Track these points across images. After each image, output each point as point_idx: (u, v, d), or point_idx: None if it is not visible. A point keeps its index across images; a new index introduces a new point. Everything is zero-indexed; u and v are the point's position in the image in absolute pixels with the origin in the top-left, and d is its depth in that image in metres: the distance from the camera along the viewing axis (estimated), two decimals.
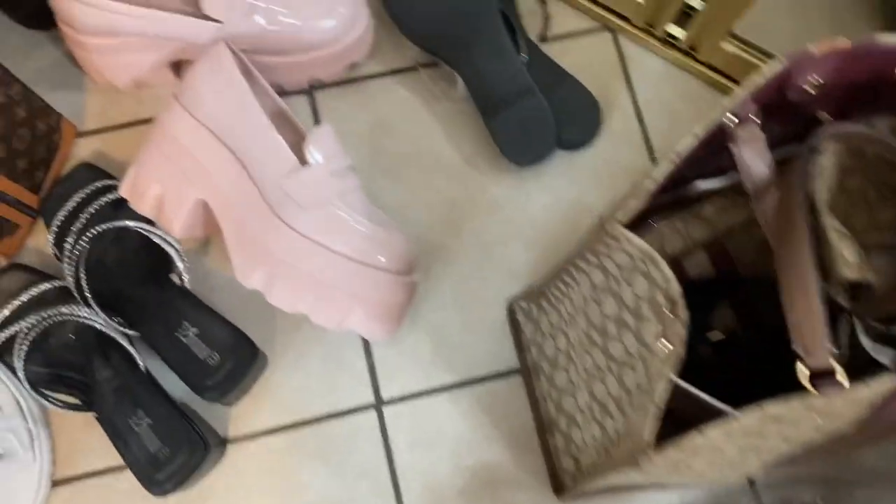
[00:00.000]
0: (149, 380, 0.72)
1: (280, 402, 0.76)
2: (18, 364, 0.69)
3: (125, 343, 0.70)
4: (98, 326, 0.70)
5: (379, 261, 0.69)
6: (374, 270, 0.69)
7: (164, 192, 0.71)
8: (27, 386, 0.69)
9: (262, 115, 0.70)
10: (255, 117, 0.70)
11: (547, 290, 0.70)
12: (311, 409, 0.76)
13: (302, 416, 0.76)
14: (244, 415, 0.76)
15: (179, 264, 0.72)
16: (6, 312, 0.72)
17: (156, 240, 0.71)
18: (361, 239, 0.69)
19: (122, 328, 0.72)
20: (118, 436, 0.69)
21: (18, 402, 0.74)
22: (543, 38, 0.86)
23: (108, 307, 0.73)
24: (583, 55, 0.85)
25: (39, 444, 0.73)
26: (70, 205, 0.75)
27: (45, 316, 0.70)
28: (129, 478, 0.69)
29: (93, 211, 0.75)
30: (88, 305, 0.71)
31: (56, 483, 0.74)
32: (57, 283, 0.74)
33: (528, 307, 0.75)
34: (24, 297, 0.72)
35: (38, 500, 0.72)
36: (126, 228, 0.74)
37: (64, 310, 0.70)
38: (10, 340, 0.72)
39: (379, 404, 0.77)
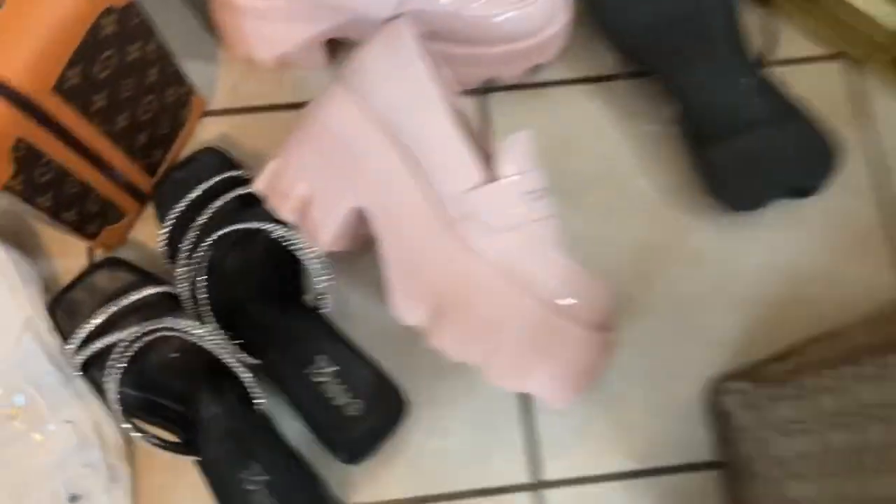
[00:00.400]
0: (267, 426, 0.57)
1: (415, 468, 0.61)
2: (112, 384, 0.55)
3: (244, 374, 0.56)
4: (213, 349, 0.55)
5: (575, 309, 0.54)
6: (567, 321, 0.54)
7: (313, 193, 0.57)
8: (119, 412, 0.55)
9: (447, 113, 0.56)
10: (438, 115, 0.56)
11: (783, 374, 0.54)
12: (452, 481, 0.61)
13: (441, 488, 0.61)
14: (370, 478, 0.61)
15: (321, 284, 0.58)
16: (100, 319, 0.58)
17: (296, 251, 0.57)
18: (558, 279, 0.54)
19: (241, 356, 0.57)
20: (224, 492, 0.54)
21: (101, 431, 0.59)
22: (763, 62, 0.71)
23: (223, 327, 0.59)
24: (811, 85, 0.69)
25: (121, 485, 0.59)
26: (193, 195, 0.61)
27: (151, 329, 0.56)
28: None
29: (218, 206, 0.61)
30: (202, 322, 0.57)
31: None
32: (163, 289, 0.60)
33: (745, 391, 0.59)
34: (125, 302, 0.58)
35: None
36: (256, 233, 0.59)
37: (174, 324, 0.56)
38: (102, 354, 0.58)
39: (538, 486, 0.61)
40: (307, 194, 0.58)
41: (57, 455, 0.56)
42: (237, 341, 0.58)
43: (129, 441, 0.61)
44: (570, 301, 0.54)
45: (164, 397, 0.58)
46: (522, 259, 0.54)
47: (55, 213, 0.55)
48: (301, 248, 0.57)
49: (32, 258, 0.65)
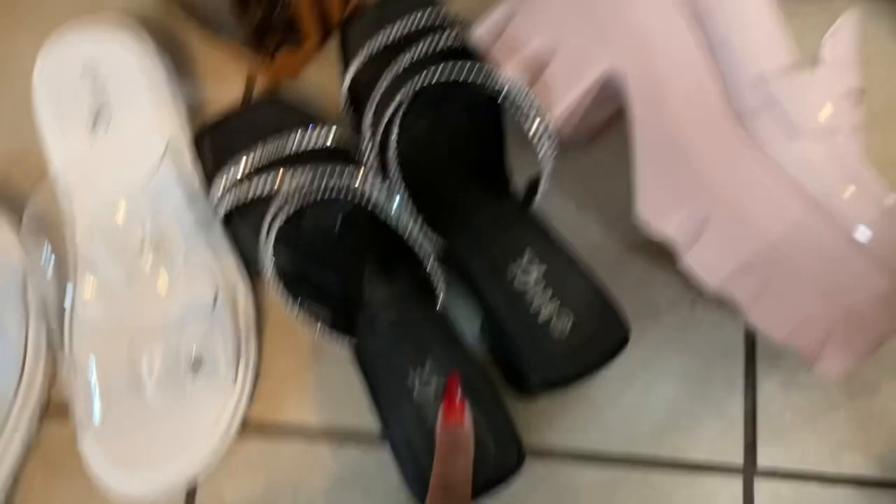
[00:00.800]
0: (445, 321, 0.45)
1: (602, 420, 0.49)
2: (266, 244, 0.43)
3: (428, 258, 0.44)
4: (397, 221, 0.43)
5: (884, 255, 0.41)
6: (872, 267, 0.40)
7: (555, 49, 0.45)
8: (273, 273, 0.43)
9: None
10: None
11: None
12: (644, 443, 0.49)
13: (633, 449, 0.49)
14: (547, 421, 0.49)
15: (543, 165, 0.45)
16: (256, 160, 0.46)
17: (523, 118, 0.44)
18: (868, 214, 0.40)
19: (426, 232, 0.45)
20: (386, 387, 0.43)
21: (234, 294, 0.48)
22: None
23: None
24: None
25: (247, 364, 0.48)
26: (393, 32, 0.49)
27: (325, 184, 0.44)
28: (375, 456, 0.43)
29: (420, 53, 0.48)
30: (387, 187, 0.46)
31: (248, 427, 0.49)
32: (337, 143, 0.48)
33: None
34: (290, 147, 0.47)
35: (223, 440, 0.47)
36: (462, 93, 0.47)
37: (351, 180, 0.44)
38: (250, 205, 0.46)
39: (749, 472, 0.48)
40: (545, 49, 0.45)
41: (184, 305, 0.46)
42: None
43: (259, 314, 0.49)
44: (879, 242, 0.40)
45: (319, 268, 0.46)
46: (826, 176, 0.40)
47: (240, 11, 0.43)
48: (526, 117, 0.44)
49: (185, 82, 0.54)
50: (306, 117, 0.50)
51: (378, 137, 0.46)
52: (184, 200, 0.48)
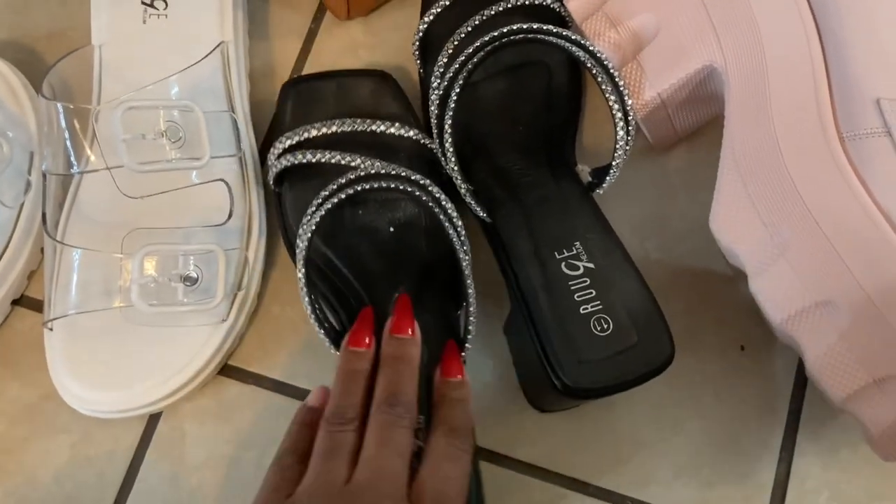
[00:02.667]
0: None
1: (621, 454, 0.44)
2: (310, 221, 0.39)
3: (467, 301, 0.39)
4: (455, 244, 0.39)
5: None
6: None
7: (659, 29, 0.40)
8: (301, 260, 0.39)
9: None
10: None
11: None
12: (661, 487, 0.43)
13: (644, 491, 0.43)
14: (559, 442, 0.44)
15: (617, 151, 0.40)
16: (327, 132, 0.42)
17: (608, 92, 0.40)
18: None
19: (472, 203, 0.41)
20: None
21: (250, 228, 0.44)
22: None
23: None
24: None
25: (243, 301, 0.43)
26: None
27: (392, 183, 0.39)
28: None
29: (500, 11, 0.44)
30: (444, 157, 0.41)
31: (228, 369, 0.44)
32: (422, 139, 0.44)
33: None
34: (368, 127, 0.42)
35: (200, 373, 0.43)
36: (539, 61, 0.43)
37: (422, 190, 0.40)
38: (309, 176, 0.43)
39: None
40: (647, 28, 0.41)
41: (195, 214, 0.42)
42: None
43: (269, 258, 0.45)
44: None
45: (349, 273, 0.42)
46: None
47: None
48: (612, 93, 0.40)
49: None
50: (406, 110, 0.45)
51: (440, 91, 0.42)
52: (220, 109, 0.44)
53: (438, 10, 0.45)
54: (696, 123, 0.45)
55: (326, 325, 0.40)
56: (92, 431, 0.44)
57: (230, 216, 0.42)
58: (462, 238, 0.39)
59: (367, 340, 0.36)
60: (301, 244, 0.38)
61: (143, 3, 0.45)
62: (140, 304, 0.39)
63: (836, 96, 0.38)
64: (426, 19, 0.45)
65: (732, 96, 0.39)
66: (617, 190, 0.43)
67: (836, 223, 0.35)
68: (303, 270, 0.39)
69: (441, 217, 0.39)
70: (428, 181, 0.39)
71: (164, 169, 0.40)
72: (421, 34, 0.46)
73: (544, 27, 0.40)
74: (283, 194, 0.44)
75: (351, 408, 0.34)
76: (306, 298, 0.39)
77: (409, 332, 0.36)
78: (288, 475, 0.33)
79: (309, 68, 0.50)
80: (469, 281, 0.39)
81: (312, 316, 0.39)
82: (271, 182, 0.44)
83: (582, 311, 0.38)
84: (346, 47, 0.51)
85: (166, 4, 0.45)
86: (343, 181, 0.38)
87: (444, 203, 0.39)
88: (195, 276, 0.41)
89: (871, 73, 0.37)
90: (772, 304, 0.37)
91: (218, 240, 0.42)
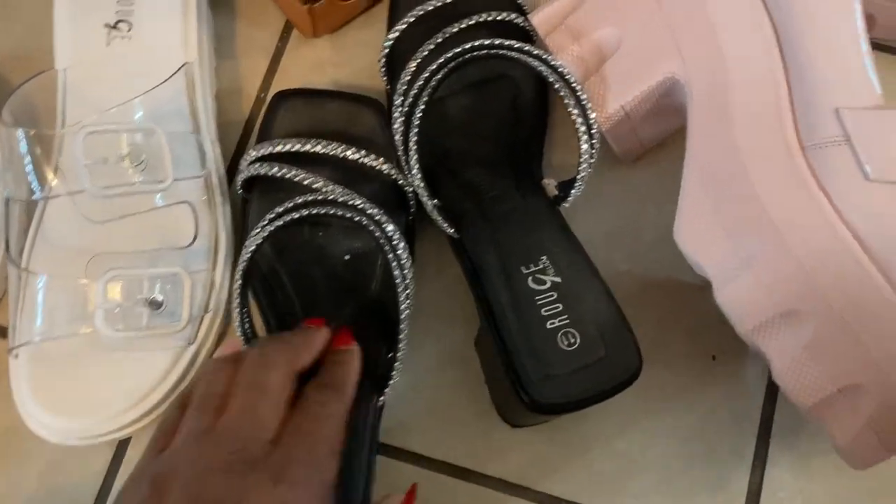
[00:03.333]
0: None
1: (593, 466, 0.44)
2: (260, 231, 0.39)
3: (397, 349, 0.39)
4: (401, 286, 0.39)
5: None
6: None
7: (621, 42, 0.41)
8: (243, 266, 0.39)
9: (860, 7, 0.38)
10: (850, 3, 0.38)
11: None
12: (633, 499, 0.43)
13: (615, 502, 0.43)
14: (531, 455, 0.44)
15: (581, 166, 0.41)
16: (296, 147, 0.42)
17: (572, 107, 0.40)
18: None
19: (438, 220, 0.41)
20: None
21: (217, 249, 0.44)
22: None
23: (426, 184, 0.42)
24: None
25: (212, 321, 0.43)
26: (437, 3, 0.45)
27: (348, 211, 0.39)
28: None
29: (466, 27, 0.44)
30: (406, 172, 0.41)
31: None
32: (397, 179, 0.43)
33: None
34: (336, 152, 0.42)
35: (168, 396, 0.42)
36: (503, 75, 0.43)
37: (381, 219, 0.40)
38: (276, 189, 0.42)
39: None
40: (609, 42, 0.41)
41: (159, 237, 0.41)
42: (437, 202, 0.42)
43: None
44: None
45: (291, 292, 0.42)
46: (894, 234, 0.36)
47: None
48: (575, 108, 0.40)
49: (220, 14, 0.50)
50: (390, 143, 0.44)
51: (405, 108, 0.42)
52: (184, 130, 0.43)
53: (403, 26, 0.45)
54: (661, 135, 0.45)
55: (250, 341, 0.40)
56: (60, 459, 0.43)
57: (195, 238, 0.42)
58: (408, 282, 0.39)
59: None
60: (242, 257, 0.38)
61: (107, 25, 0.45)
62: (105, 329, 0.39)
63: (797, 106, 0.38)
64: (391, 36, 0.45)
65: (694, 108, 0.39)
66: (584, 201, 0.44)
67: (798, 233, 0.36)
68: (239, 282, 0.38)
69: (389, 256, 0.38)
70: (385, 218, 0.39)
71: (126, 193, 0.40)
72: (386, 51, 0.46)
73: (506, 43, 0.40)
74: (250, 201, 0.44)
75: (231, 362, 0.33)
76: (237, 311, 0.39)
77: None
78: (166, 427, 0.32)
79: (276, 86, 0.50)
80: (403, 327, 0.39)
81: (240, 330, 0.39)
82: (239, 187, 0.44)
83: (549, 326, 0.38)
84: (313, 65, 0.50)
85: (130, 26, 0.45)
86: (298, 202, 0.38)
87: (395, 242, 0.39)
88: (160, 299, 0.41)
89: (830, 83, 0.37)
90: (738, 315, 0.37)
91: (184, 262, 0.42)
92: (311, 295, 0.41)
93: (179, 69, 0.44)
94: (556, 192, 0.42)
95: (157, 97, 0.42)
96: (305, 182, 0.40)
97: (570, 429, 0.44)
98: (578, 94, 0.39)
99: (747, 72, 0.38)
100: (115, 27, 0.45)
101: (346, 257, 0.42)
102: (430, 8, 0.45)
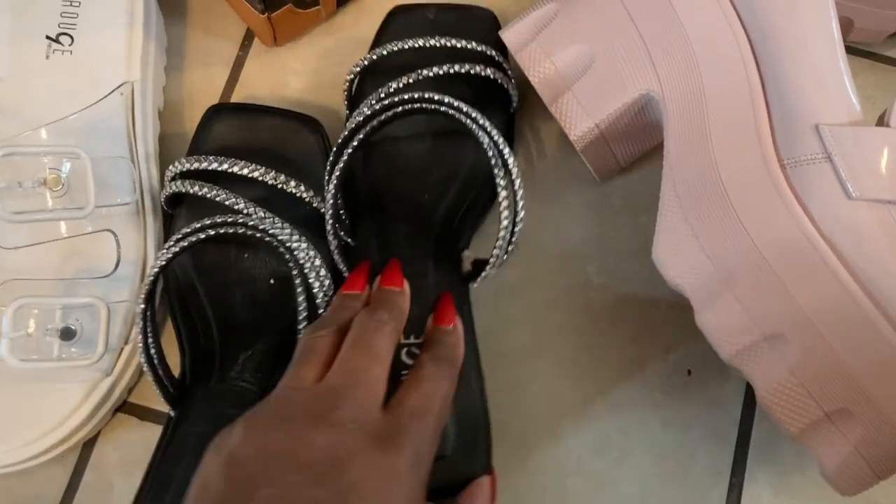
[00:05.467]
0: None
1: (567, 488, 0.43)
2: (172, 247, 0.38)
3: (312, 272, 0.38)
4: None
5: None
6: None
7: (594, 59, 0.39)
8: (153, 274, 0.38)
9: (835, 18, 0.37)
10: (825, 14, 0.37)
11: None
12: None
13: None
14: (502, 475, 0.42)
15: (502, 242, 0.39)
16: (224, 166, 0.40)
17: (503, 191, 0.38)
18: None
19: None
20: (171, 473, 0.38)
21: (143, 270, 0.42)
22: None
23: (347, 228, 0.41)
24: None
25: (136, 347, 0.41)
26: (429, 42, 0.43)
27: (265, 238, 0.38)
28: None
29: (435, 73, 0.42)
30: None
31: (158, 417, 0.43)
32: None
33: None
34: (264, 178, 0.40)
35: (83, 427, 0.41)
36: (461, 137, 0.42)
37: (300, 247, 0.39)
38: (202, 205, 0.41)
39: None
40: (582, 59, 0.40)
41: (76, 266, 0.40)
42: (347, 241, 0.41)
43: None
44: None
45: (209, 313, 0.40)
46: (877, 251, 0.35)
47: None
48: (504, 191, 0.38)
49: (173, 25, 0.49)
50: (321, 164, 0.42)
51: (338, 141, 0.40)
52: (117, 153, 0.42)
53: (374, 57, 0.43)
54: (639, 152, 0.44)
55: (159, 370, 0.38)
56: (13, 485, 0.42)
57: (117, 266, 0.40)
58: (321, 311, 0.38)
59: (362, 285, 0.36)
60: (147, 277, 0.37)
61: (48, 37, 0.42)
62: (10, 359, 0.38)
63: (775, 123, 0.37)
64: (360, 63, 0.43)
65: (671, 126, 0.38)
66: (559, 212, 0.42)
67: (780, 253, 0.35)
68: (141, 307, 0.37)
69: (310, 282, 0.37)
70: (302, 244, 0.38)
71: (41, 219, 0.39)
72: (351, 76, 0.44)
73: (457, 104, 0.38)
74: (176, 217, 0.42)
75: (332, 321, 0.33)
76: (140, 336, 0.37)
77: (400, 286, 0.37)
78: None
79: (237, 96, 0.49)
80: None
81: (144, 356, 0.38)
82: (163, 203, 0.42)
83: None
84: (275, 74, 0.49)
85: (72, 40, 0.42)
86: (206, 223, 0.37)
87: (308, 270, 0.38)
88: (74, 329, 0.39)
89: (809, 99, 0.36)
90: (720, 339, 0.36)
91: (106, 291, 0.40)
92: (230, 319, 0.40)
93: (115, 90, 0.42)
94: (469, 269, 0.41)
95: (90, 118, 0.40)
96: (227, 203, 0.39)
97: (544, 448, 0.43)
98: (514, 176, 0.38)
99: (724, 87, 0.37)
100: (56, 40, 0.42)
101: (271, 281, 0.40)
102: (415, 46, 0.42)
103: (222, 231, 0.37)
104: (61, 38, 0.42)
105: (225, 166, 0.40)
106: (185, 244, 0.37)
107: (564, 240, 0.45)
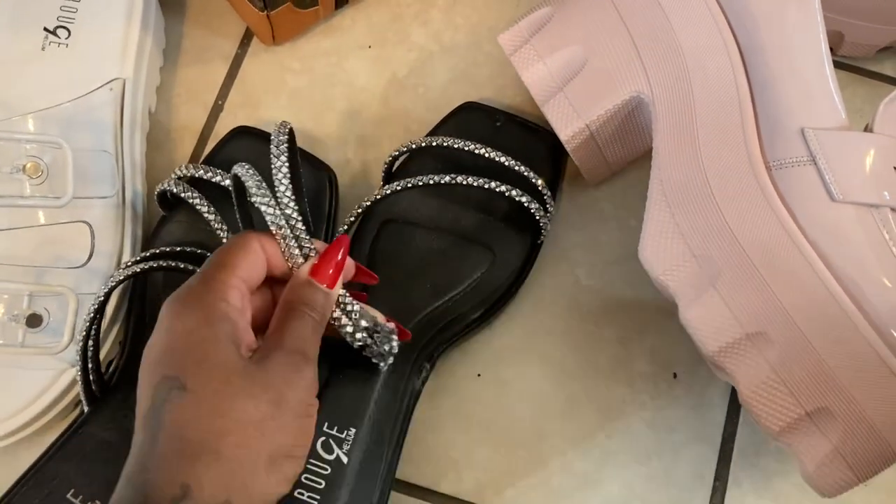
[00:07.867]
0: None
1: (552, 485, 0.43)
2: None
3: None
4: None
5: None
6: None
7: (586, 61, 0.40)
8: (110, 282, 0.38)
9: (823, 26, 0.38)
10: (813, 21, 0.38)
11: None
12: None
13: None
14: (491, 476, 0.43)
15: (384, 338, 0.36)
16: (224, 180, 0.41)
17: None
18: None
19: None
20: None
21: (120, 260, 0.42)
22: None
23: None
24: None
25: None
26: (465, 147, 0.43)
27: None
28: None
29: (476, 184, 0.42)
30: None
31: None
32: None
33: None
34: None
35: (41, 417, 0.40)
36: (497, 242, 0.43)
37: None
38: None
39: None
40: (576, 60, 0.41)
41: (49, 253, 0.40)
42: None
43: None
44: None
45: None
46: (861, 255, 0.35)
47: None
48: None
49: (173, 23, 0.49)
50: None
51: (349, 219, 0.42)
52: (101, 147, 0.42)
53: (413, 146, 0.43)
54: (629, 156, 0.44)
55: (90, 364, 0.38)
56: None
57: (90, 258, 0.40)
58: None
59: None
60: (98, 293, 0.37)
61: (46, 29, 0.43)
62: None
63: (762, 127, 0.38)
64: (400, 151, 0.44)
65: (660, 128, 0.38)
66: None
67: (764, 254, 0.35)
68: (91, 315, 0.37)
69: None
70: None
71: (16, 205, 0.39)
72: (396, 153, 0.44)
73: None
74: (167, 220, 0.42)
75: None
76: (80, 344, 0.37)
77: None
78: None
79: (235, 94, 0.49)
80: None
81: (80, 363, 0.37)
82: (156, 199, 0.42)
83: (296, 495, 0.36)
84: (273, 73, 0.49)
85: (69, 34, 0.43)
86: (167, 250, 0.38)
87: None
88: (41, 316, 0.39)
89: (795, 103, 0.37)
90: (703, 336, 0.36)
91: (77, 282, 0.40)
92: None
93: (104, 85, 0.42)
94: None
95: (76, 109, 0.41)
96: (210, 221, 0.40)
97: (528, 447, 0.43)
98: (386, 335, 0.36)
99: (712, 90, 0.38)
100: (53, 32, 0.43)
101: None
102: (464, 148, 0.42)
103: (173, 265, 0.37)
104: (58, 31, 0.43)
105: (227, 181, 0.40)
106: (137, 269, 0.37)
107: (554, 243, 0.46)
